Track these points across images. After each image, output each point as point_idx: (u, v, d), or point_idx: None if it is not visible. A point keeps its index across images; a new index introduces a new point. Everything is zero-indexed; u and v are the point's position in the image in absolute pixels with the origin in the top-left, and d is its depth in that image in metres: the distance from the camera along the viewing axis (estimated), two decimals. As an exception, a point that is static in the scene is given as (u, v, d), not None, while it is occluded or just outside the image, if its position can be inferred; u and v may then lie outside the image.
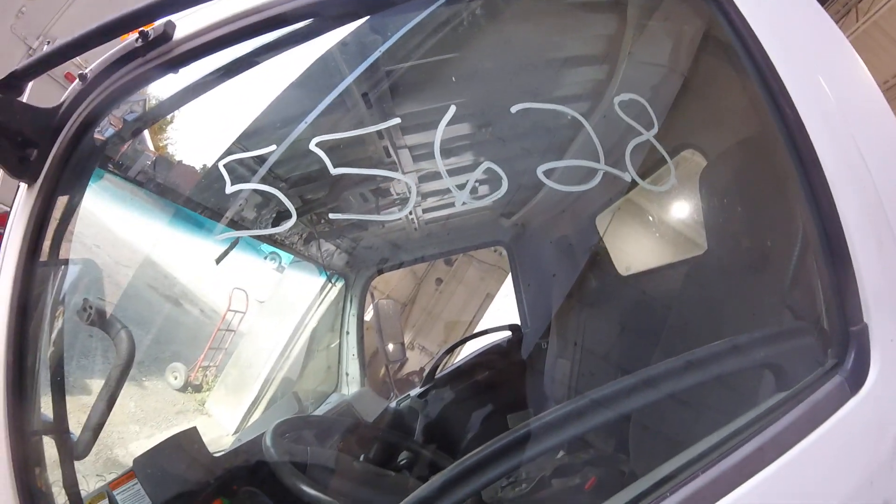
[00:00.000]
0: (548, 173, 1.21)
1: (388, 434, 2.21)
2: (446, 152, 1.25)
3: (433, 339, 3.83)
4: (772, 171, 1.31)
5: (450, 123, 1.90)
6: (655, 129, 1.25)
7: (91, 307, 1.30)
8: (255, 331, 3.12)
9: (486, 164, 1.21)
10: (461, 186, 1.17)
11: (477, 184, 1.18)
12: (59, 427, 1.28)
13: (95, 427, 1.25)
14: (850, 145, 1.10)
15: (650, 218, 2.44)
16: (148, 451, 1.61)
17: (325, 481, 1.59)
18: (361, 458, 2.01)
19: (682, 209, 2.28)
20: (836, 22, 1.25)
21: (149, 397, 2.77)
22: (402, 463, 2.11)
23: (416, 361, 3.83)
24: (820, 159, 1.08)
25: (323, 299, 2.88)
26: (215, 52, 1.26)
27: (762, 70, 1.15)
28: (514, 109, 1.22)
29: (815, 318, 1.13)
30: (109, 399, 1.26)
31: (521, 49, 1.98)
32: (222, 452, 1.87)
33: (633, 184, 1.27)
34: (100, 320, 1.31)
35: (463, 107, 2.10)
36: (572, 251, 2.54)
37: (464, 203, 1.16)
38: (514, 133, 2.01)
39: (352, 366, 2.88)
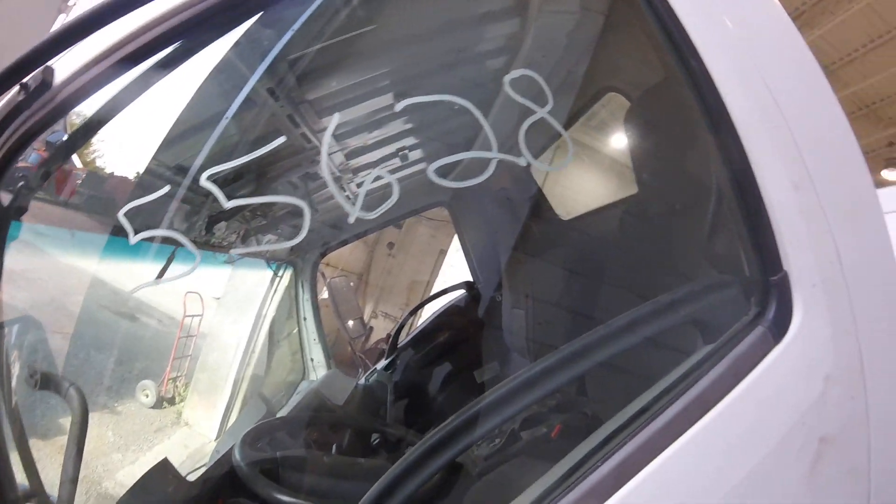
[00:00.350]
0: (444, 171, 1.20)
1: (356, 419, 2.24)
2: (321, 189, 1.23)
3: (394, 304, 3.87)
4: (683, 116, 1.24)
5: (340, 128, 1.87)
6: (550, 105, 1.22)
7: (36, 372, 1.29)
8: (216, 331, 3.09)
9: (374, 173, 1.18)
10: (351, 197, 1.15)
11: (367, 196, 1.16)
12: (37, 491, 1.28)
13: (72, 480, 1.25)
14: (759, 84, 1.07)
15: (587, 161, 2.46)
16: (123, 496, 1.62)
17: (300, 484, 1.62)
18: (335, 447, 2.05)
19: (614, 150, 2.30)
20: None
21: (125, 422, 2.76)
22: (375, 443, 2.15)
23: (383, 328, 3.87)
24: (726, 103, 1.06)
25: (276, 289, 2.86)
26: (100, 87, 1.21)
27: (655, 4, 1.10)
28: (398, 108, 1.20)
29: (739, 268, 1.12)
30: (77, 453, 1.26)
31: (435, 11, 1.93)
32: (198, 474, 1.88)
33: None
34: (47, 383, 1.30)
35: (377, 85, 2.08)
36: (512, 203, 2.55)
37: (357, 217, 1.14)
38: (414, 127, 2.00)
39: (315, 351, 2.89)
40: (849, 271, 1.05)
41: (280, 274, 2.80)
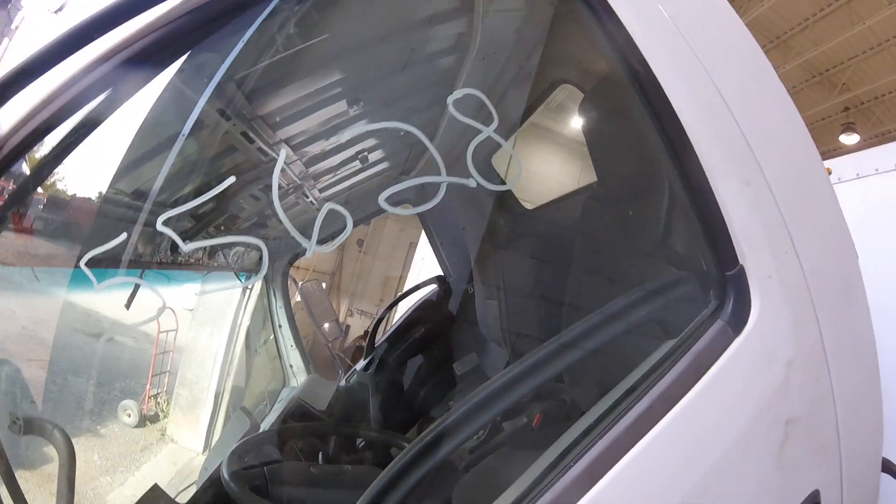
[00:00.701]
0: (394, 200, 1.22)
1: (339, 428, 2.27)
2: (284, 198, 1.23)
3: (369, 301, 3.88)
4: (633, 113, 1.22)
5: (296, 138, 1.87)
6: (496, 123, 1.23)
7: (18, 419, 1.29)
8: (192, 345, 3.07)
9: (327, 207, 1.20)
10: (308, 236, 1.16)
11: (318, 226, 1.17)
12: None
13: None
14: (703, 82, 1.07)
15: (547, 150, 2.49)
16: None
17: (289, 496, 1.65)
18: (321, 455, 2.07)
19: (574, 138, 2.33)
20: None
21: (110, 444, 2.75)
22: (360, 447, 2.19)
23: (359, 326, 3.88)
24: (672, 104, 1.06)
25: (248, 299, 2.85)
26: (44, 136, 1.20)
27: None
28: (346, 137, 1.21)
29: (697, 263, 1.16)
30: (68, 491, 1.27)
31: (377, 17, 1.92)
32: (189, 493, 1.89)
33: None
34: (30, 428, 1.31)
35: (330, 96, 2.07)
36: (476, 198, 2.57)
37: (314, 251, 1.16)
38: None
39: (293, 357, 2.90)
40: (805, 259, 1.09)
41: (250, 285, 2.79)
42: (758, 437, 1.07)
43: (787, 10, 11.82)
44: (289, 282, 2.94)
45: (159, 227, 1.14)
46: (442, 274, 2.95)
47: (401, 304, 3.10)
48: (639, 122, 1.20)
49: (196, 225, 2.21)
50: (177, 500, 1.79)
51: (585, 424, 1.07)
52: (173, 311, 3.16)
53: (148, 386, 2.95)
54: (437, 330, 2.77)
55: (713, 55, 1.10)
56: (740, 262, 1.06)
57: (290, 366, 2.89)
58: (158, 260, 2.15)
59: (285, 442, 2.03)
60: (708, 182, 1.06)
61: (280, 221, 1.14)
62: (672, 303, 1.17)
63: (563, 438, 1.08)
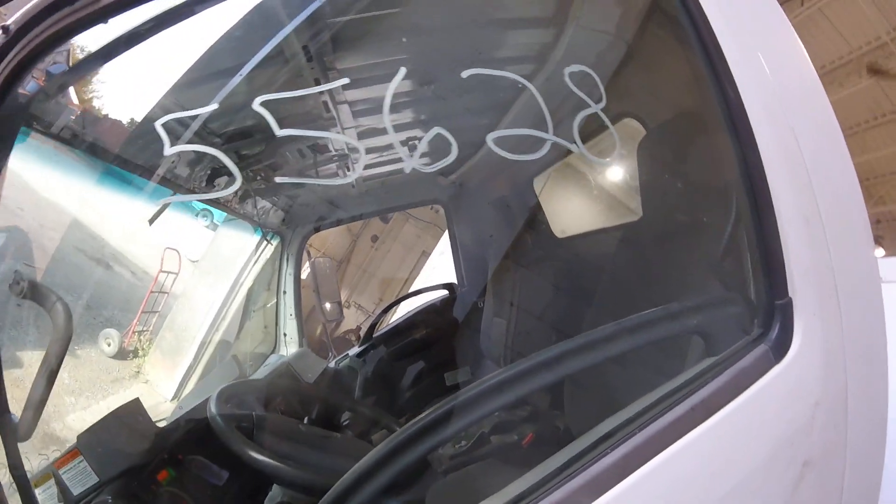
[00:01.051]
0: (497, 141, 1.22)
1: (330, 395, 2.22)
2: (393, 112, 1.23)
3: (369, 297, 3.85)
4: (709, 145, 1.32)
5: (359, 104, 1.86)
6: (603, 103, 1.26)
7: (23, 279, 1.24)
8: (189, 292, 3.02)
9: (436, 130, 1.19)
10: (410, 149, 1.16)
11: (416, 141, 1.17)
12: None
13: (37, 405, 1.20)
14: (785, 127, 1.13)
15: (587, 182, 2.50)
16: (91, 427, 1.56)
17: (273, 446, 1.60)
18: (305, 419, 2.02)
19: (620, 176, 2.35)
20: (781, 4, 1.28)
21: (83, 367, 2.68)
22: (344, 423, 2.13)
23: (353, 319, 3.84)
24: (756, 139, 1.11)
25: (258, 258, 2.82)
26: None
27: (707, 46, 1.16)
28: (464, 75, 1.22)
29: (744, 291, 1.17)
30: (49, 375, 1.21)
31: (467, 7, 1.95)
32: (167, 422, 1.84)
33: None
34: (33, 293, 1.25)
35: (409, 66, 2.08)
36: (510, 212, 2.58)
37: (413, 168, 1.15)
38: (461, 97, 2.00)
39: (289, 326, 2.85)
40: (844, 307, 1.11)
41: (268, 241, 2.76)
42: (776, 471, 1.06)
43: (845, 111, 12.06)
44: (304, 253, 2.92)
45: (256, 106, 1.11)
46: (453, 282, 2.94)
47: (404, 304, 3.08)
48: (709, 156, 1.30)
49: (240, 163, 2.20)
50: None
51: (622, 418, 1.05)
52: (179, 255, 3.13)
53: (135, 321, 2.90)
54: (437, 336, 2.75)
55: (796, 105, 1.17)
56: (790, 294, 1.08)
57: (284, 334, 2.83)
58: (192, 187, 2.13)
59: (271, 399, 1.97)
60: (773, 210, 1.10)
61: (388, 133, 1.12)
62: (718, 319, 1.19)
63: (598, 429, 1.06)
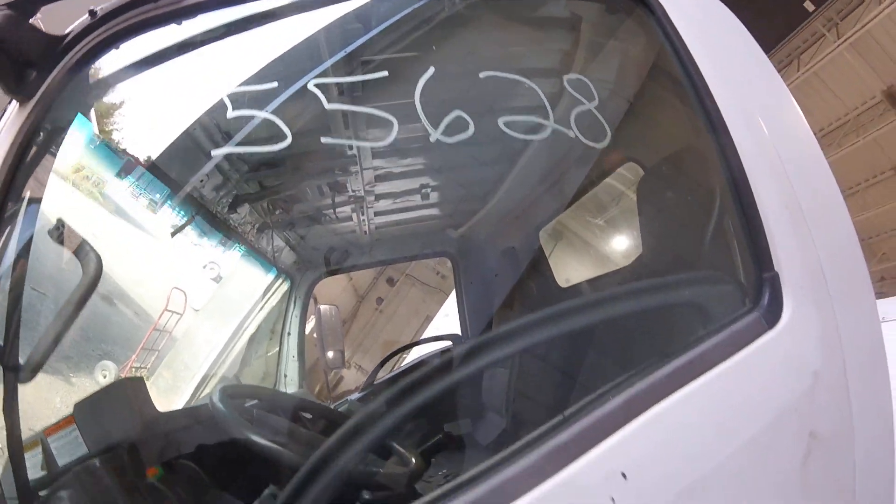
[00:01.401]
0: (508, 125, 1.34)
1: (330, 413, 2.20)
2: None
3: (370, 359, 3.83)
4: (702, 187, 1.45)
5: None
6: (596, 102, 1.39)
7: (63, 226, 1.31)
8: (191, 334, 3.04)
9: (456, 112, 1.31)
10: (435, 126, 1.27)
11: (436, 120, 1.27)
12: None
13: (47, 346, 1.22)
14: (782, 176, 1.23)
15: (590, 234, 2.60)
16: (91, 395, 1.56)
17: (273, 437, 1.58)
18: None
19: (620, 223, 2.46)
20: (779, 71, 1.42)
21: (75, 394, 2.65)
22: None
23: (353, 381, 3.80)
24: (756, 196, 1.20)
25: (266, 299, 2.87)
26: (222, 7, 1.33)
27: (707, 109, 1.26)
28: (482, 75, 1.35)
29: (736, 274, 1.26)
30: (68, 317, 1.24)
31: (483, 55, 2.11)
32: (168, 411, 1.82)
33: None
34: (69, 239, 1.31)
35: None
36: (517, 262, 2.65)
37: (436, 140, 1.25)
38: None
39: (291, 367, 2.85)
40: (832, 285, 1.18)
41: (280, 279, 2.82)
42: (785, 436, 1.08)
43: (841, 172, 12.22)
44: (311, 299, 2.97)
45: (310, 86, 1.23)
46: (458, 333, 2.96)
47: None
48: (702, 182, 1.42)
49: (260, 192, 2.31)
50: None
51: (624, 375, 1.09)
52: (185, 295, 3.17)
53: (134, 356, 2.90)
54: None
55: (794, 164, 1.26)
56: (776, 268, 1.15)
57: (285, 375, 2.82)
58: (215, 211, 2.23)
59: (275, 409, 1.96)
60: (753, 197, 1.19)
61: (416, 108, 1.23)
62: (712, 294, 1.26)
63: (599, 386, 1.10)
